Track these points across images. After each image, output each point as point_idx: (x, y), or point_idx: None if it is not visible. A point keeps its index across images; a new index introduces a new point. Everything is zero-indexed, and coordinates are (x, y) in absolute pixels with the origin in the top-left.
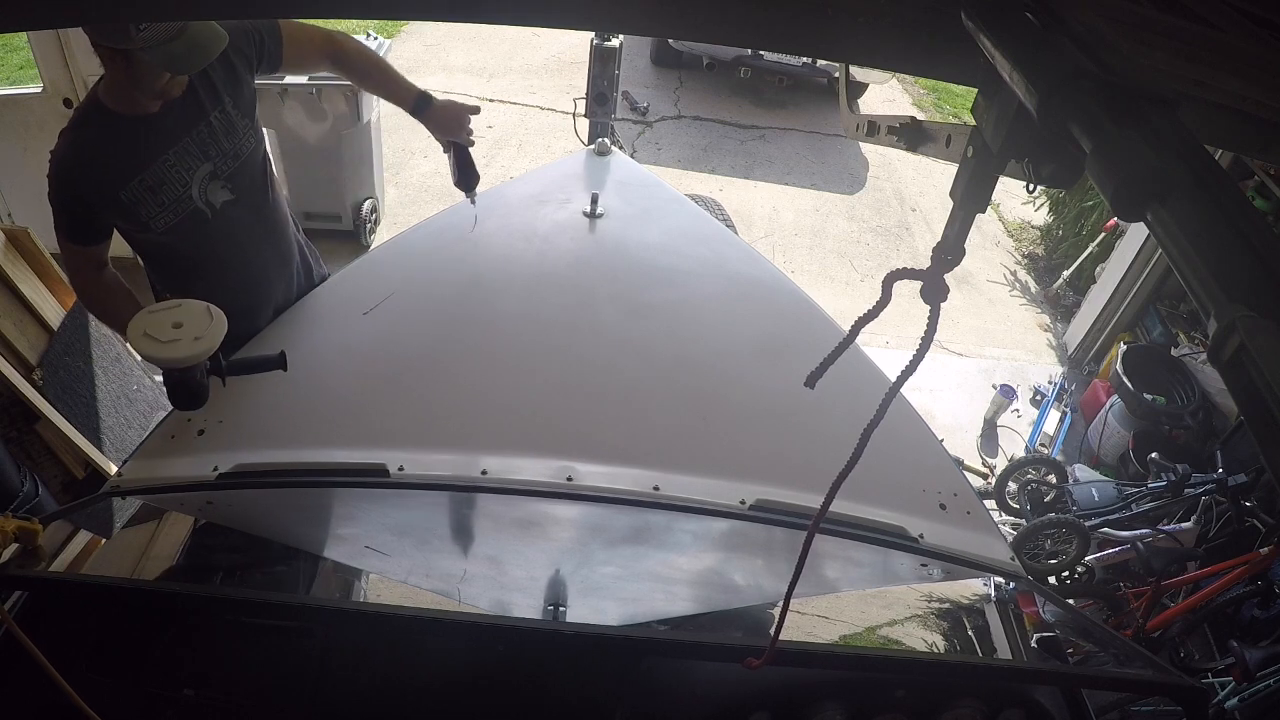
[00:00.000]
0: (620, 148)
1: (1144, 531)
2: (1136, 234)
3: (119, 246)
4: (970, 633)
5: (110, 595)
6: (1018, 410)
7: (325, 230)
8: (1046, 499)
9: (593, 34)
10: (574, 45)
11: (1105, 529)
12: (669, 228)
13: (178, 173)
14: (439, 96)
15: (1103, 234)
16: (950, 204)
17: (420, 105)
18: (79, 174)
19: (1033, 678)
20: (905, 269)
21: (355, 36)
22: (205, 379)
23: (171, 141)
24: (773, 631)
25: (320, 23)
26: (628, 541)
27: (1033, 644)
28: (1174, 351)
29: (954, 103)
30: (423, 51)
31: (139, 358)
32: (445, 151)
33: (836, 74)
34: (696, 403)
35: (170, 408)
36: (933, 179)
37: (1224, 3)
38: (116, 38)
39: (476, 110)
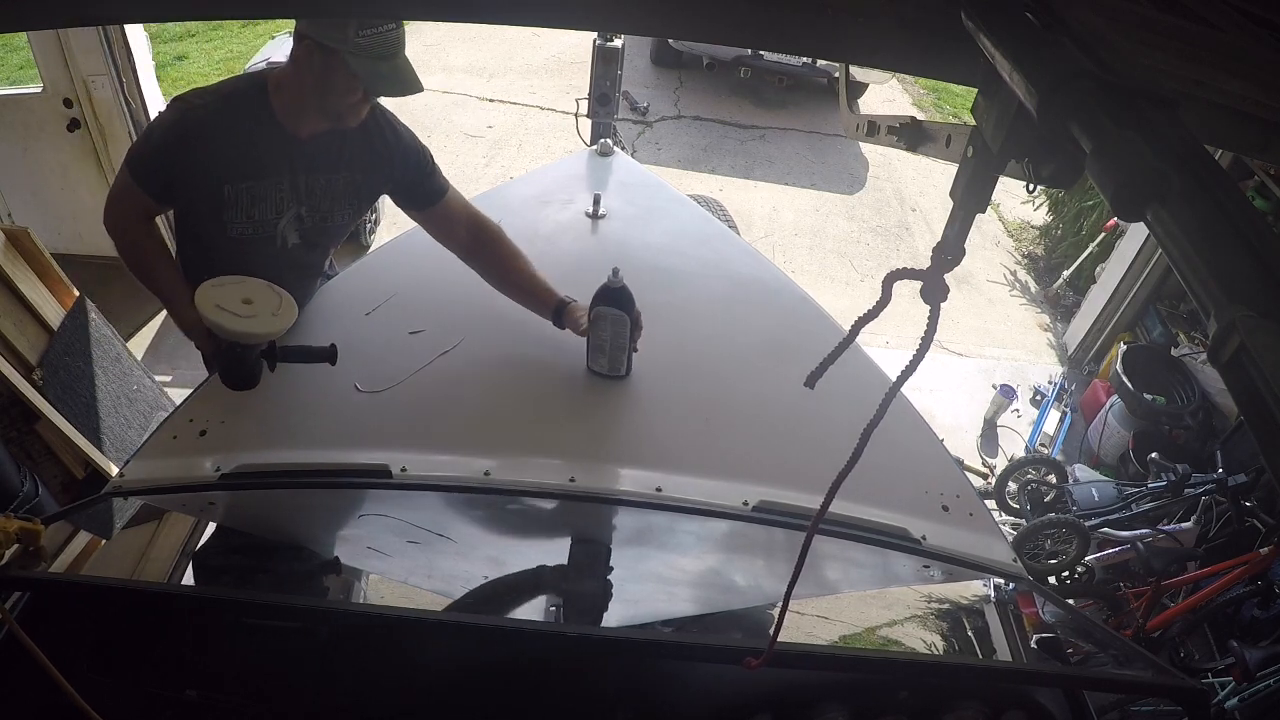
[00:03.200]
0: (622, 148)
1: (1144, 531)
2: (1136, 234)
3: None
4: (970, 633)
5: (111, 596)
6: (1018, 410)
7: None
8: (1046, 499)
9: (595, 34)
10: (574, 45)
11: (1105, 529)
12: (671, 228)
13: (278, 200)
14: (440, 95)
15: (1103, 234)
16: (950, 204)
17: (559, 311)
18: (206, 144)
19: (1035, 679)
20: (905, 269)
21: None
22: (259, 360)
23: (292, 172)
24: (771, 632)
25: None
26: (630, 543)
27: (1033, 645)
28: (1174, 351)
29: (954, 103)
30: (423, 51)
31: (212, 322)
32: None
33: (836, 74)
34: (698, 403)
35: (170, 409)
36: (933, 179)
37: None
38: (334, 35)
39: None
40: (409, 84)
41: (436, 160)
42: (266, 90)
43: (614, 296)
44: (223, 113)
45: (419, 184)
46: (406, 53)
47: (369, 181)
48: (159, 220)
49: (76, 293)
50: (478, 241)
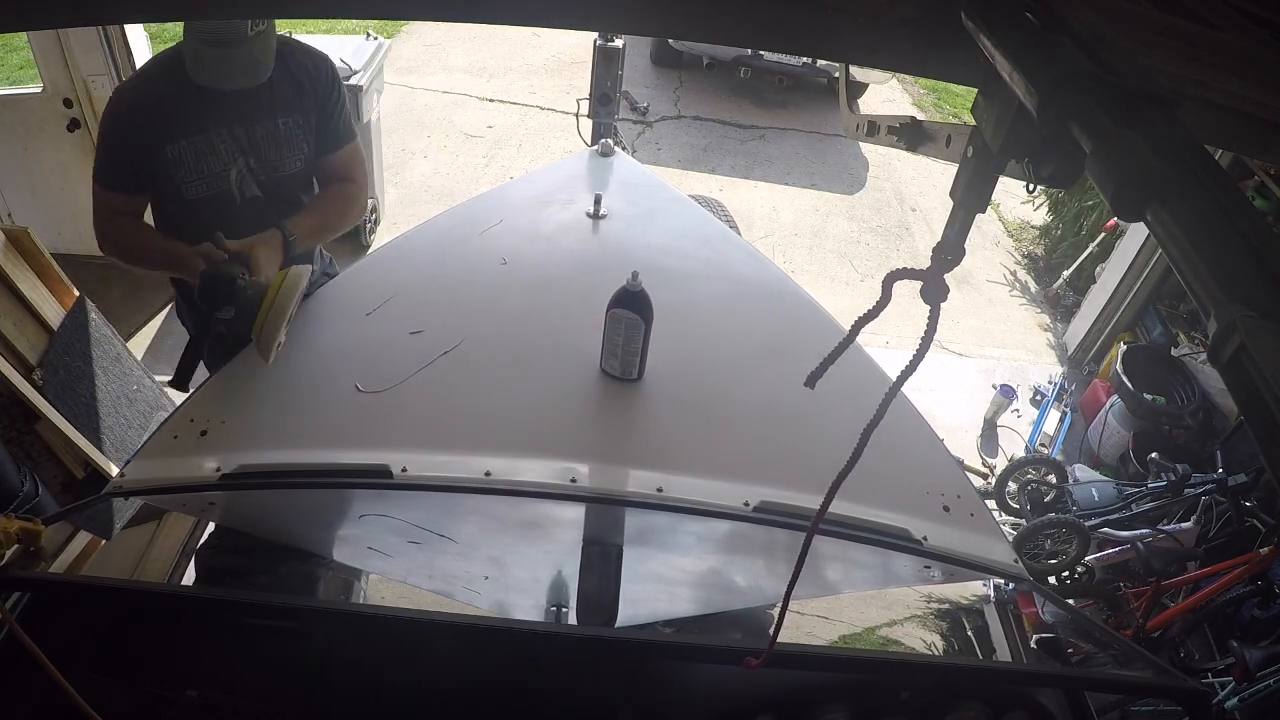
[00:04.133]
0: (623, 148)
1: (1144, 531)
2: (1136, 234)
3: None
4: (970, 633)
5: (111, 596)
6: (1018, 410)
7: None
8: (1046, 499)
9: (596, 34)
10: (574, 45)
11: (1105, 529)
12: (672, 229)
13: (224, 152)
14: (440, 95)
15: (1103, 234)
16: (950, 204)
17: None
18: (139, 117)
19: (1036, 680)
20: (905, 269)
21: (354, 38)
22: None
23: (230, 123)
24: (772, 632)
25: (323, 23)
26: (630, 543)
27: (1033, 645)
28: (1174, 351)
29: (954, 103)
30: (423, 51)
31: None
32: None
33: (836, 74)
34: (699, 404)
35: (170, 409)
36: (933, 179)
37: (1224, 3)
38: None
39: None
40: (224, 76)
41: (426, 155)
42: (182, 57)
43: (631, 300)
44: (143, 84)
45: (330, 123)
46: (406, 52)
47: (307, 118)
48: None
49: (76, 293)
50: (339, 187)
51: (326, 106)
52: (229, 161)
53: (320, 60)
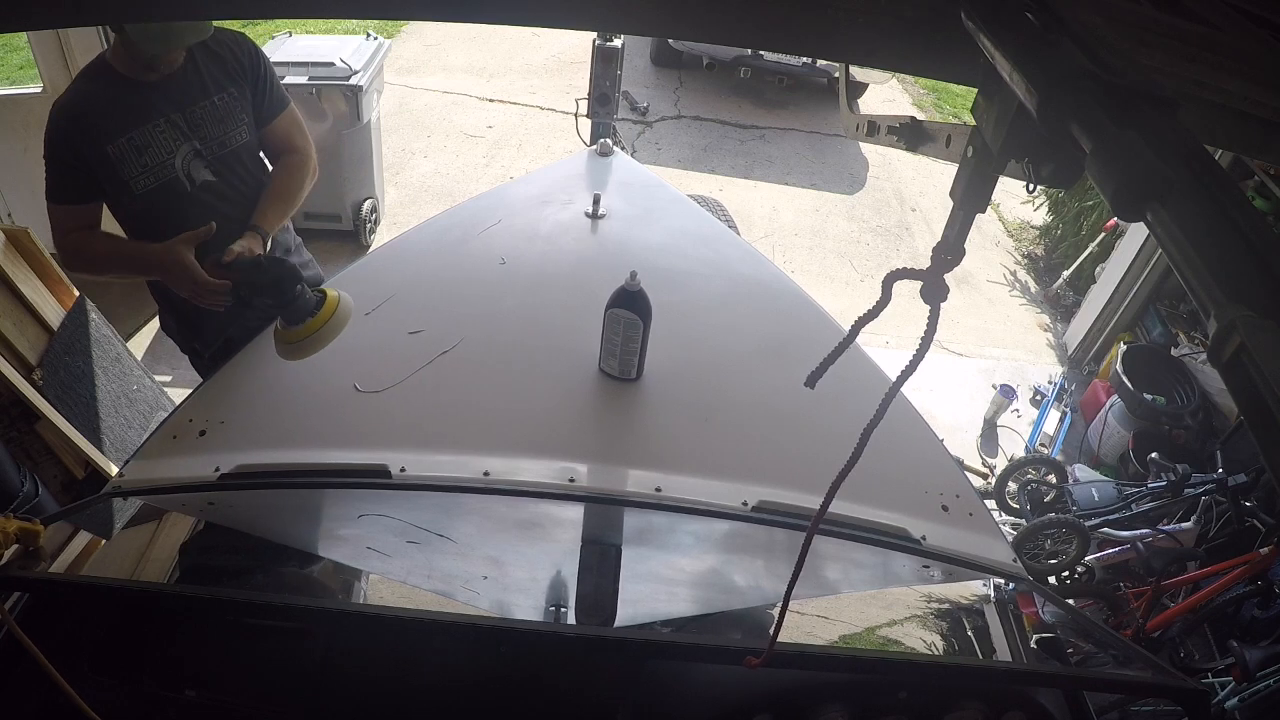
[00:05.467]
0: (622, 148)
1: (1144, 531)
2: (1136, 234)
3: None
4: (970, 633)
5: (111, 596)
6: (1018, 410)
7: (325, 230)
8: (1046, 499)
9: (594, 34)
10: (574, 45)
11: (1105, 529)
12: (671, 228)
13: (165, 140)
14: (440, 96)
15: (1103, 234)
16: (950, 204)
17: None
18: (74, 123)
19: (1036, 680)
20: (905, 269)
21: (354, 38)
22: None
23: (165, 110)
24: (772, 632)
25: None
26: (629, 543)
27: (1033, 645)
28: (1174, 351)
29: (954, 103)
30: (423, 51)
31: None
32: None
33: (836, 74)
34: (699, 404)
35: (170, 409)
36: (933, 179)
37: (1224, 3)
38: None
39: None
40: (182, 36)
41: (427, 155)
42: (108, 60)
43: (629, 300)
44: (74, 92)
45: (262, 93)
46: (406, 52)
47: (241, 90)
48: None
49: (76, 293)
50: (290, 158)
51: (257, 76)
52: (171, 149)
53: (236, 36)
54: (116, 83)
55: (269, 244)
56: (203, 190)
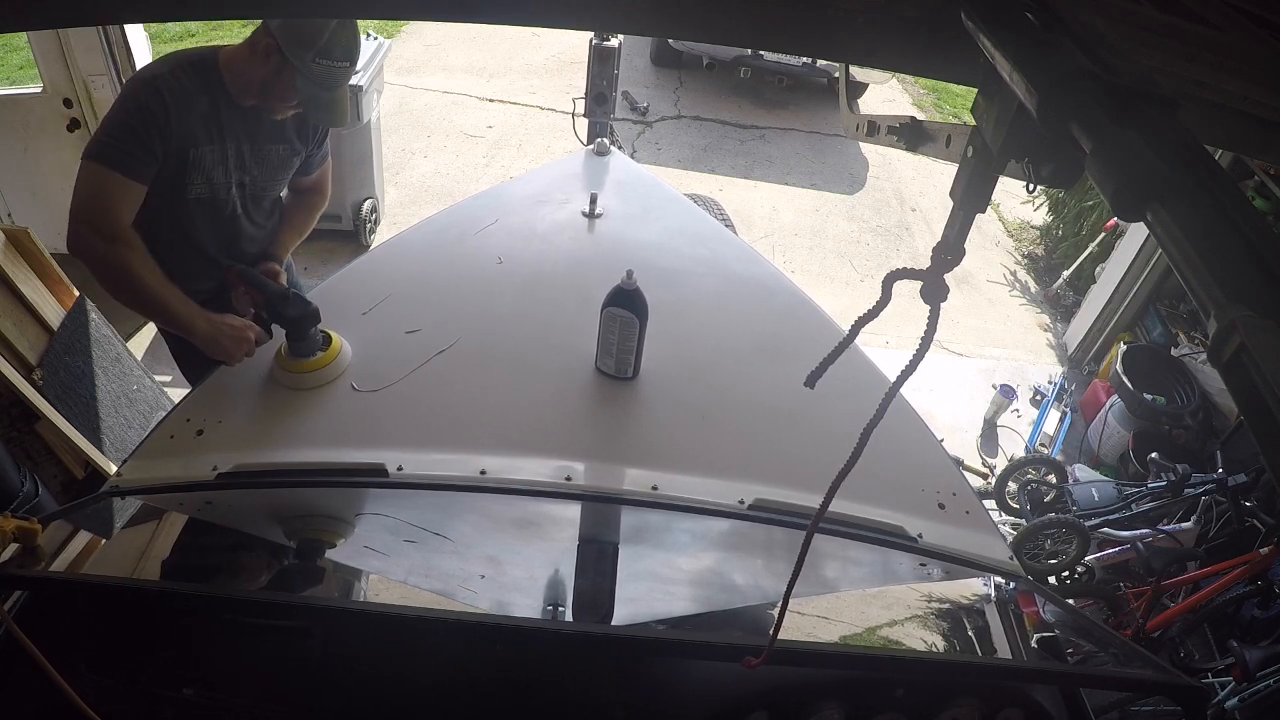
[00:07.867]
0: (619, 148)
1: (1144, 531)
2: (1136, 234)
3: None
4: (970, 633)
5: (110, 595)
6: (1018, 410)
7: (325, 230)
8: (1046, 499)
9: (592, 34)
10: (574, 45)
11: (1105, 529)
12: (668, 227)
13: (230, 164)
14: (440, 96)
15: (1103, 234)
16: (950, 204)
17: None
18: (175, 114)
19: (1032, 677)
20: (905, 269)
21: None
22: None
23: (240, 138)
24: (771, 631)
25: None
26: (626, 541)
27: (1033, 644)
28: (1174, 351)
29: (954, 103)
30: (423, 51)
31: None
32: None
33: (836, 74)
34: (695, 402)
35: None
36: (933, 179)
37: (1224, 3)
38: (296, 52)
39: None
40: (338, 117)
41: (426, 155)
42: (218, 64)
43: (625, 299)
44: (187, 81)
45: (313, 154)
46: (406, 52)
47: (300, 150)
48: None
49: (76, 293)
50: (307, 194)
51: (320, 142)
52: (231, 173)
53: None
54: (219, 91)
55: (283, 273)
56: (234, 216)
